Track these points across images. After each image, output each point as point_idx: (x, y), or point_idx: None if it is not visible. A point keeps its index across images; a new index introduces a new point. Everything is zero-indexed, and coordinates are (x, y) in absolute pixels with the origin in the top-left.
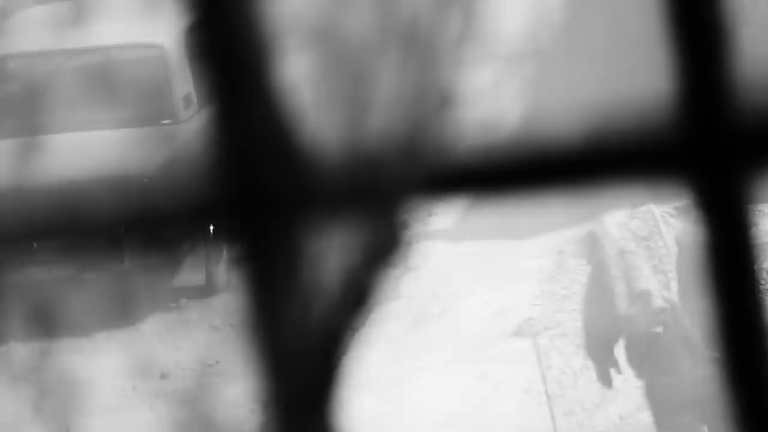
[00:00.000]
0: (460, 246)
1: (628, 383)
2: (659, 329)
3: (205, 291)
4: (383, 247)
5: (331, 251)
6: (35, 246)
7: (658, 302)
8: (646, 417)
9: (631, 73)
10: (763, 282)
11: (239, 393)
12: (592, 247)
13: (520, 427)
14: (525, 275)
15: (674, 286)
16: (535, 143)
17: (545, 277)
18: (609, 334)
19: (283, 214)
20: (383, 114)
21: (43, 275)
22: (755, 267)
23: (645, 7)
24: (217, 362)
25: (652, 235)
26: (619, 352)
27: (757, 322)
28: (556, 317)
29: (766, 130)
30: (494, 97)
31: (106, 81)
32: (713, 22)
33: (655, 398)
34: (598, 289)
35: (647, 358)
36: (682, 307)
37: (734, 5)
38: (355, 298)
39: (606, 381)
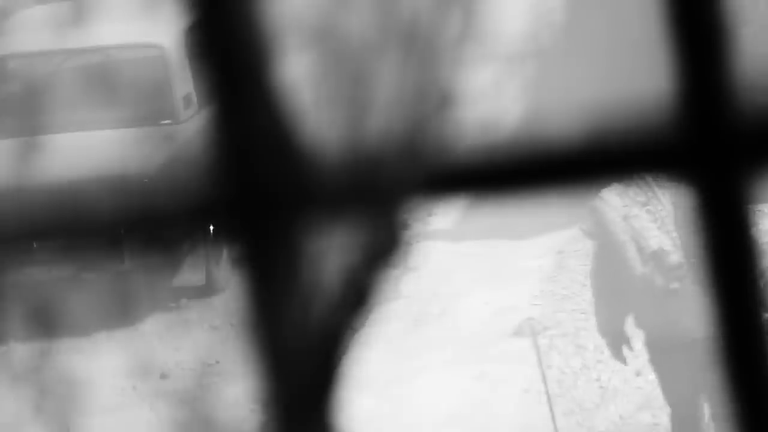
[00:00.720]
0: (460, 246)
1: (628, 383)
2: (676, 285)
3: (205, 291)
4: (383, 247)
5: (331, 251)
6: (35, 246)
7: (673, 259)
8: (646, 417)
9: (631, 73)
10: (763, 282)
11: (239, 393)
12: (597, 219)
13: (520, 427)
14: (525, 275)
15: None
16: (535, 143)
17: (545, 277)
18: (620, 307)
19: (283, 214)
20: (383, 114)
21: (43, 275)
22: (755, 267)
23: (645, 7)
24: (217, 362)
25: (650, 199)
26: (630, 325)
27: (757, 322)
28: (556, 317)
29: (766, 130)
30: (494, 97)
31: (106, 81)
32: (713, 22)
33: (656, 347)
34: (608, 258)
35: (658, 316)
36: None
37: (734, 5)
38: (355, 298)
39: (620, 358)
